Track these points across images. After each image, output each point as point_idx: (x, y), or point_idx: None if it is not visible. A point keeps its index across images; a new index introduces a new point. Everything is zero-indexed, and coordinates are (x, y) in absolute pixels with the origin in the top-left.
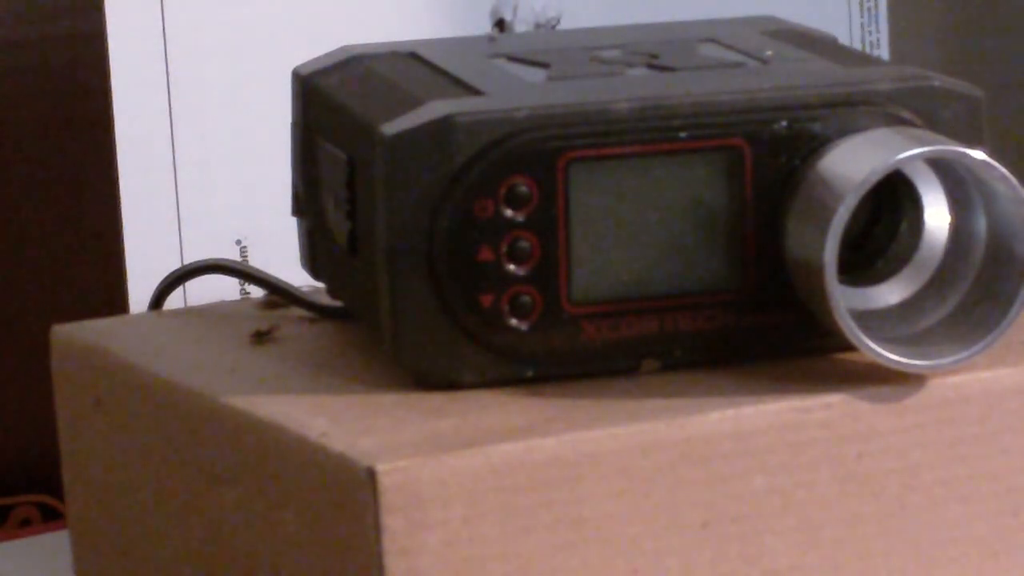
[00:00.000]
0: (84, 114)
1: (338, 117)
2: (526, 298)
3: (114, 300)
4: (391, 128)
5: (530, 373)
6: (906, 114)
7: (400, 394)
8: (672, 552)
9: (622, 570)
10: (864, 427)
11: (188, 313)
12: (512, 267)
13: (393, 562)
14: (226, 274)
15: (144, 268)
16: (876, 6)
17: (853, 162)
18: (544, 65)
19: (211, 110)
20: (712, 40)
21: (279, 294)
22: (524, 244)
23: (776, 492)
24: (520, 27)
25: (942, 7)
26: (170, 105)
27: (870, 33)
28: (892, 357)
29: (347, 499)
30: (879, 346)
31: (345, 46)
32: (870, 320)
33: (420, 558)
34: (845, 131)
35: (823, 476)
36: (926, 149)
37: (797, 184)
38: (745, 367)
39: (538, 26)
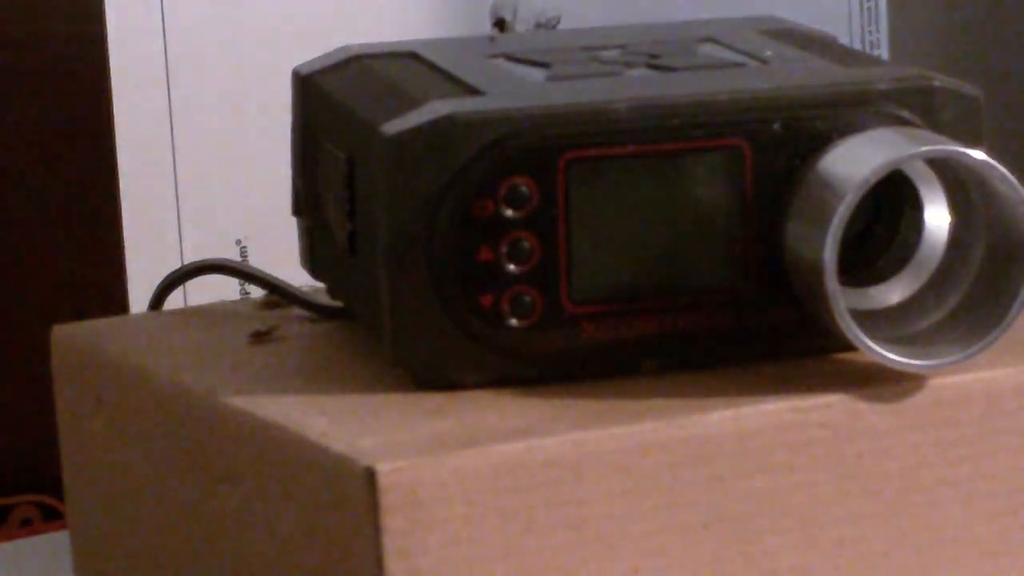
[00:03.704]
0: (84, 114)
1: (338, 117)
2: (526, 298)
3: (114, 300)
4: (391, 128)
5: (530, 373)
6: (906, 114)
7: (400, 394)
8: (672, 552)
9: (622, 570)
10: (864, 427)
11: (188, 313)
12: (512, 267)
13: (393, 562)
14: (226, 274)
15: (144, 268)
16: (876, 6)
17: (853, 162)
18: (544, 65)
19: (211, 110)
20: (712, 40)
21: (279, 294)
22: (524, 244)
23: (776, 492)
24: (520, 27)
25: (942, 7)
26: (170, 105)
27: (870, 33)
28: (892, 357)
29: (347, 499)
30: (879, 346)
31: (345, 46)
32: (870, 320)
33: (420, 558)
34: (845, 131)
35: (823, 476)
36: (926, 149)
37: (797, 184)
38: (745, 367)
39: (538, 26)
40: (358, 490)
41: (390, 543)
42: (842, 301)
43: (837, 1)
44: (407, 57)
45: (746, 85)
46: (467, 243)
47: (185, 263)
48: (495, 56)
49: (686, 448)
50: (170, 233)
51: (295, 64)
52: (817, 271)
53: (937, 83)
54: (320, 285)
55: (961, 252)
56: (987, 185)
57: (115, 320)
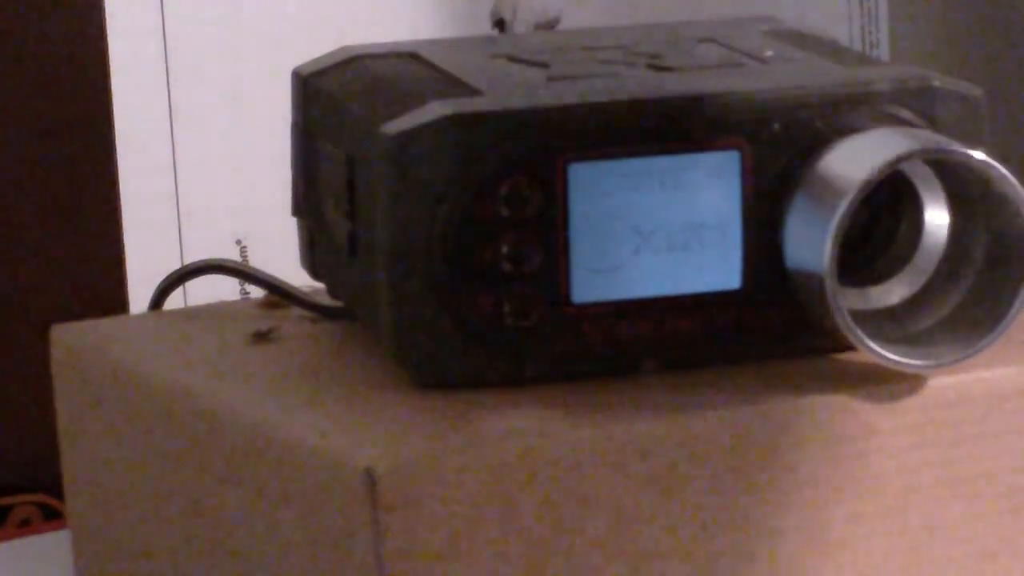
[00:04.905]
0: (84, 114)
1: (338, 117)
2: (526, 298)
3: (114, 300)
4: (392, 128)
5: (530, 373)
6: (906, 114)
7: (400, 394)
8: (672, 552)
9: (622, 570)
10: (864, 427)
11: (188, 313)
12: (512, 267)
13: (392, 562)
14: (226, 274)
15: (144, 268)
16: (876, 6)
17: (853, 162)
18: (544, 65)
19: (211, 110)
20: (712, 40)
21: (279, 294)
22: (524, 244)
23: (776, 492)
24: (520, 27)
25: (942, 7)
26: (170, 105)
27: (870, 33)
28: (892, 357)
29: (347, 499)
30: (879, 346)
31: (345, 46)
32: (870, 320)
33: (420, 558)
34: (845, 131)
35: (823, 476)
36: (926, 149)
37: (797, 184)
38: (745, 367)
39: (538, 26)
40: (358, 490)
41: (390, 543)
42: (842, 301)
43: (837, 1)
44: (407, 57)
45: (746, 85)
46: (467, 243)
47: (185, 263)
48: (495, 56)
49: (686, 448)
50: (170, 233)
51: (295, 64)
52: (817, 271)
53: (937, 83)
54: (320, 285)
55: (961, 252)
56: (987, 185)
57: (115, 320)
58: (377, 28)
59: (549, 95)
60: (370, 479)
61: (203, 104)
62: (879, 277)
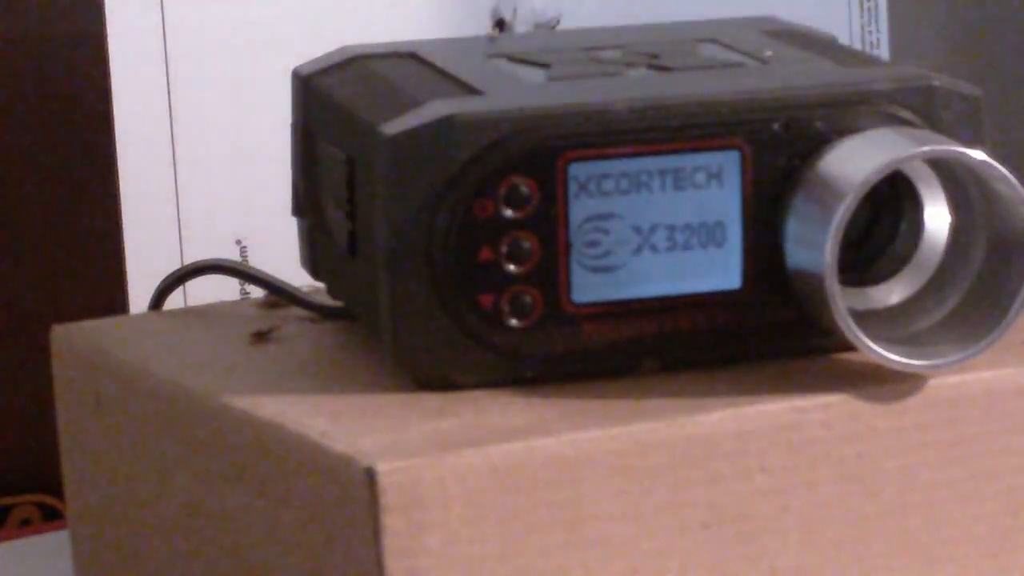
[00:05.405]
0: (84, 114)
1: (338, 117)
2: (526, 298)
3: (114, 300)
4: (391, 128)
5: (530, 373)
6: (906, 114)
7: (400, 394)
8: (672, 552)
9: (622, 570)
10: (864, 427)
11: (188, 313)
12: (512, 267)
13: (393, 562)
14: (226, 274)
15: (144, 268)
16: (876, 6)
17: (853, 162)
18: (544, 65)
19: (211, 110)
20: (712, 40)
21: (279, 294)
22: (524, 244)
23: (776, 492)
24: (520, 27)
25: (942, 7)
26: (170, 105)
27: (870, 33)
28: (892, 357)
29: (347, 499)
30: (879, 346)
31: (345, 46)
32: (870, 320)
33: (420, 558)
34: (845, 131)
35: (823, 476)
36: (926, 149)
37: (797, 184)
38: (745, 367)
39: (538, 26)
40: (358, 490)
41: (390, 543)
42: (842, 301)
43: (837, 1)
44: (407, 57)
45: (746, 85)
46: (467, 243)
47: (185, 263)
48: (495, 56)
49: (686, 448)
50: (170, 233)
51: (295, 64)
52: (817, 271)
53: (937, 83)
54: (320, 285)
55: (961, 252)
56: (987, 185)
57: (115, 320)
58: (377, 28)
59: (549, 95)
60: (370, 478)
61: (203, 104)
62: (879, 277)
